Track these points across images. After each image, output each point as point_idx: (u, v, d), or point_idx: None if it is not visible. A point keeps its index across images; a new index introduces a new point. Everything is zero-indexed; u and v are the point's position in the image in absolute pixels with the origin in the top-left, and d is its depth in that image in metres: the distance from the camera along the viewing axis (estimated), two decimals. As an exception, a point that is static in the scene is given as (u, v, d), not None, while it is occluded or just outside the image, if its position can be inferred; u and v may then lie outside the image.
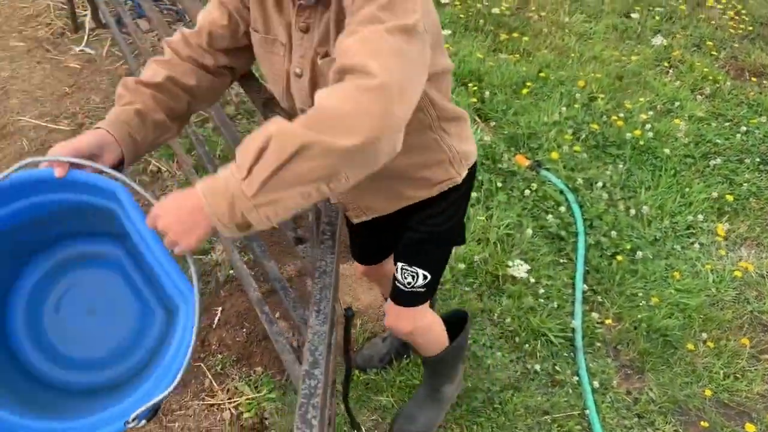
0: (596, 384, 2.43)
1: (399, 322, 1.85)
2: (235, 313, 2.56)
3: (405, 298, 1.78)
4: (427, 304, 1.86)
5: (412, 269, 1.73)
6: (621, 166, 3.42)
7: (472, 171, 1.67)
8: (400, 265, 1.74)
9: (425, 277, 1.73)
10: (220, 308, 2.58)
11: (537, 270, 2.82)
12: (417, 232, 1.69)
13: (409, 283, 1.74)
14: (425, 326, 1.92)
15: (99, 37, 4.26)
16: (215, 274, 2.69)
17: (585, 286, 2.80)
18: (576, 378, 2.46)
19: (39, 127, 3.50)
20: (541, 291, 2.74)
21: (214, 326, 2.51)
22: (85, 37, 4.21)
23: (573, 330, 2.62)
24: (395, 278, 1.76)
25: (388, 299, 1.84)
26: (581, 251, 2.94)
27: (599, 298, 2.78)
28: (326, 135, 0.92)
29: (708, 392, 2.44)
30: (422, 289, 1.76)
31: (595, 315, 2.70)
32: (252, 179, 0.94)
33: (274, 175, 0.93)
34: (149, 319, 1.41)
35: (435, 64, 1.24)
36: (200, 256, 2.77)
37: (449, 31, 4.43)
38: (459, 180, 1.61)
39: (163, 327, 1.38)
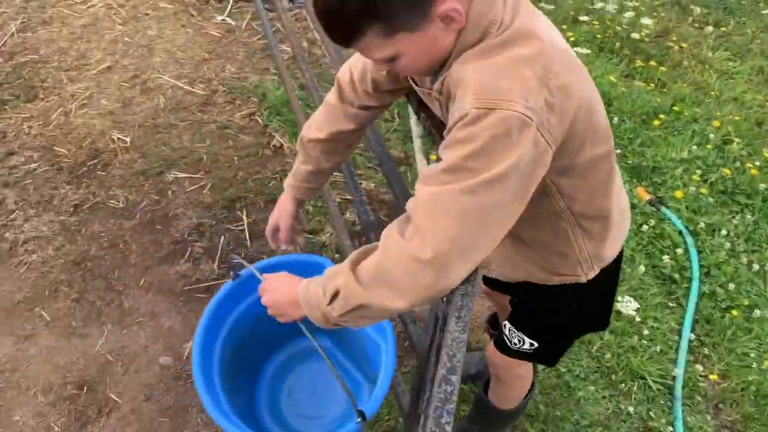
0: (692, 442, 2.32)
1: (496, 358, 1.77)
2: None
3: (509, 353, 1.70)
4: (530, 364, 1.80)
5: (518, 333, 1.64)
6: (749, 216, 3.23)
7: (611, 268, 1.50)
8: (508, 325, 1.65)
9: (532, 345, 1.64)
10: (320, 289, 2.62)
11: (644, 309, 2.71)
12: (531, 303, 1.60)
13: (515, 344, 1.66)
14: (515, 378, 1.87)
15: (240, 9, 4.43)
16: (321, 254, 2.75)
17: (692, 335, 2.67)
18: (670, 429, 2.35)
19: (176, 87, 3.67)
20: (646, 332, 2.63)
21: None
22: (228, 8, 4.39)
23: (674, 378, 2.50)
24: (503, 331, 1.68)
25: (498, 333, 1.77)
26: (693, 298, 2.80)
27: (706, 351, 2.64)
28: (380, 299, 1.08)
29: (816, 472, 2.27)
30: (529, 352, 1.66)
31: (699, 367, 2.56)
32: (333, 309, 1.16)
33: (346, 315, 1.15)
34: (360, 391, 1.98)
35: (579, 154, 1.16)
36: (309, 236, 2.84)
37: (584, 50, 4.32)
38: (583, 280, 1.45)
39: (369, 393, 1.82)
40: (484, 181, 1.00)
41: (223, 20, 4.28)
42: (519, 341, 1.65)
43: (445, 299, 1.40)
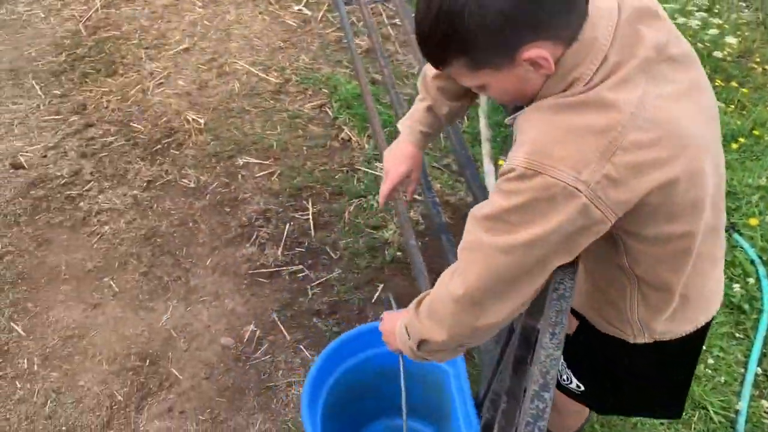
0: (751, 479, 2.24)
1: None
2: (393, 294, 2.61)
3: (559, 387, 1.64)
4: (578, 403, 1.70)
5: (568, 371, 1.59)
6: (826, 248, 3.10)
7: (676, 347, 1.40)
8: (561, 358, 1.63)
9: (579, 386, 1.59)
10: (380, 285, 2.63)
11: (710, 338, 2.62)
12: (584, 343, 1.51)
13: (563, 380, 1.61)
14: (570, 411, 1.82)
15: (317, 0, 4.47)
16: (383, 250, 2.75)
17: (759, 369, 2.58)
18: (730, 464, 2.28)
19: (251, 73, 3.73)
20: (710, 361, 2.55)
21: (373, 301, 2.57)
22: (305, -2, 4.44)
23: (737, 412, 2.42)
24: None
25: None
26: (762, 331, 2.70)
27: (772, 387, 2.55)
28: (430, 332, 1.23)
29: None
30: (577, 392, 1.61)
31: (764, 403, 2.47)
32: (411, 346, 1.31)
33: (420, 350, 1.30)
34: None
35: (649, 226, 1.12)
36: (371, 231, 2.84)
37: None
38: (630, 340, 1.39)
39: None
40: (519, 243, 1.04)
41: (299, 10, 4.32)
42: (567, 379, 1.60)
43: (527, 314, 1.39)
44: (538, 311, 1.22)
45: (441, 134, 3.38)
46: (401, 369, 1.65)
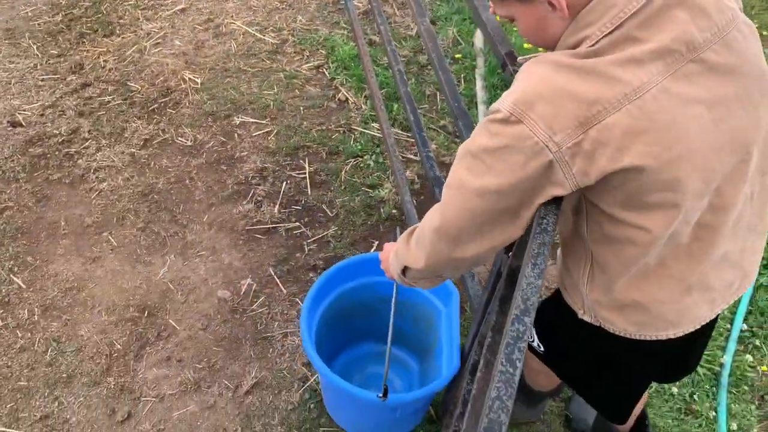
0: (734, 426, 2.31)
1: None
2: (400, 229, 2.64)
3: (529, 345, 1.69)
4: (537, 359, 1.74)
5: (532, 329, 1.61)
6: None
7: (622, 343, 1.39)
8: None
9: (539, 346, 1.64)
10: (376, 242, 2.67)
11: (698, 294, 2.68)
12: (549, 303, 1.55)
13: (529, 338, 1.60)
14: (531, 367, 1.91)
15: (315, -38, 4.43)
16: (379, 208, 2.79)
17: (745, 325, 2.63)
18: (713, 413, 2.34)
19: (248, 33, 3.72)
20: (698, 317, 2.61)
21: (367, 257, 2.61)
22: (303, -40, 4.40)
23: (721, 365, 2.48)
24: None
25: None
26: (749, 289, 2.75)
27: (757, 342, 2.61)
28: (413, 260, 1.33)
29: None
30: (539, 352, 1.66)
31: (748, 357, 2.54)
32: (398, 272, 1.43)
33: (404, 274, 1.41)
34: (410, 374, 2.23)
35: (609, 208, 1.15)
36: (367, 189, 2.88)
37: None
38: (579, 315, 1.42)
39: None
40: (492, 189, 1.11)
41: (296, -29, 4.30)
42: (531, 336, 1.64)
43: (511, 254, 1.43)
44: (523, 253, 1.26)
45: (438, 97, 3.40)
46: (394, 296, 1.76)
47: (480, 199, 1.12)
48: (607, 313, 1.36)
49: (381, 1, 4.07)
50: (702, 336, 1.50)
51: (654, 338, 1.36)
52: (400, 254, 1.39)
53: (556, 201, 1.19)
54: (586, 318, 1.41)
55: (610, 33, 1.04)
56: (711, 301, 1.33)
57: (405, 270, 1.40)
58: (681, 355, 1.55)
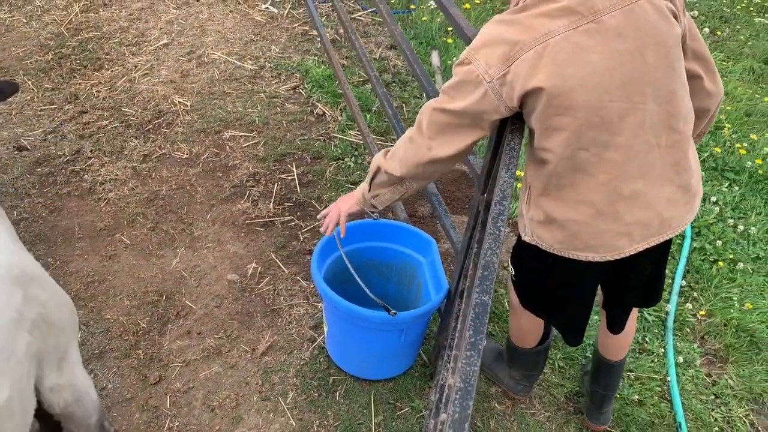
0: (680, 359, 2.70)
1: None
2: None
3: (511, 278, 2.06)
4: (514, 293, 2.07)
5: (509, 257, 2.00)
6: (736, 189, 3.64)
7: (560, 262, 1.74)
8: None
9: (512, 271, 2.00)
10: (361, 229, 3.02)
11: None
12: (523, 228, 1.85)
13: (508, 267, 2.01)
14: (510, 304, 2.17)
15: None
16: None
17: (684, 281, 3.07)
18: (662, 350, 2.74)
19: (228, 62, 4.10)
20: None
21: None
22: (271, -2, 4.85)
23: (667, 313, 2.90)
24: None
25: None
26: (685, 252, 3.20)
27: (695, 294, 3.04)
28: (390, 166, 1.77)
29: (785, 391, 2.66)
30: (513, 279, 2.01)
31: (689, 306, 2.96)
32: (364, 187, 1.93)
33: (369, 186, 1.89)
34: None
35: (536, 124, 1.55)
36: (351, 186, 3.24)
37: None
38: (522, 236, 1.79)
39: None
40: (450, 109, 1.57)
41: (266, 8, 4.73)
42: (509, 265, 2.01)
43: (488, 192, 1.81)
44: (491, 189, 1.65)
45: (405, 108, 3.80)
46: (338, 241, 2.23)
47: (443, 114, 1.60)
48: (539, 230, 1.72)
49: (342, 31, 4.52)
50: (635, 269, 1.85)
51: (575, 257, 1.70)
52: (375, 164, 1.82)
53: (518, 123, 1.60)
54: (527, 238, 1.77)
55: None
56: (627, 234, 1.67)
57: (376, 175, 1.83)
58: (617, 283, 1.93)
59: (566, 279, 1.86)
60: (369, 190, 1.90)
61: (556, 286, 1.92)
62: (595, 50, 1.44)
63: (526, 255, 1.88)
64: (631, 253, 1.70)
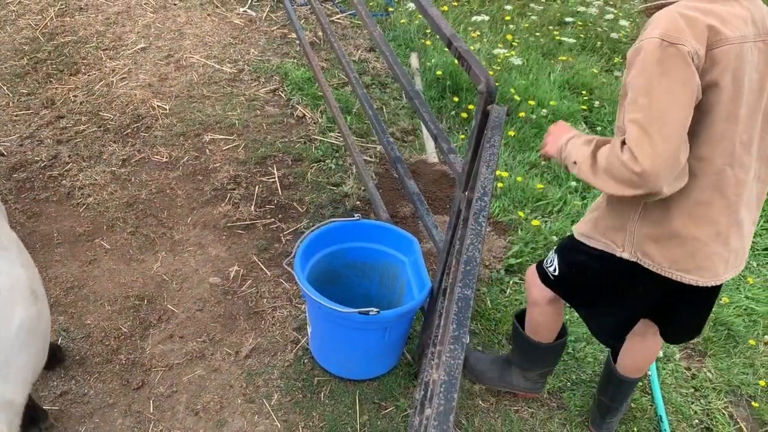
0: (660, 354, 2.74)
1: (528, 273, 2.11)
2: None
3: (539, 266, 2.03)
4: (545, 287, 2.02)
5: (554, 255, 1.95)
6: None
7: (649, 276, 1.69)
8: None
9: (555, 271, 1.96)
10: (343, 231, 3.03)
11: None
12: (570, 245, 1.88)
13: (546, 264, 1.97)
14: (532, 300, 2.12)
15: (261, 2, 4.87)
16: (344, 202, 3.16)
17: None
18: (643, 345, 2.77)
19: (207, 65, 4.09)
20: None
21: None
22: (249, 0, 4.83)
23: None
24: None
25: None
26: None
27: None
28: (604, 184, 1.52)
29: (762, 383, 2.70)
30: (551, 277, 1.96)
31: (667, 301, 3.00)
32: (570, 165, 1.66)
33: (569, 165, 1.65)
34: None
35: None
36: (332, 187, 3.25)
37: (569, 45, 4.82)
38: (617, 253, 1.71)
39: None
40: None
41: (244, 11, 4.72)
42: (550, 263, 1.97)
43: (469, 190, 1.83)
44: (473, 187, 1.66)
45: (385, 110, 3.82)
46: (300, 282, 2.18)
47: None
48: (651, 247, 1.65)
49: (322, 34, 4.53)
50: (706, 303, 1.84)
51: (679, 279, 1.66)
52: (582, 171, 1.57)
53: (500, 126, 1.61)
54: (625, 255, 1.71)
55: None
56: (726, 261, 1.66)
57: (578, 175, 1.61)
58: (691, 311, 1.87)
59: (648, 296, 1.82)
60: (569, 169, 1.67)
61: (629, 305, 1.89)
62: (758, 70, 1.49)
63: (587, 267, 1.85)
64: (722, 281, 1.70)
